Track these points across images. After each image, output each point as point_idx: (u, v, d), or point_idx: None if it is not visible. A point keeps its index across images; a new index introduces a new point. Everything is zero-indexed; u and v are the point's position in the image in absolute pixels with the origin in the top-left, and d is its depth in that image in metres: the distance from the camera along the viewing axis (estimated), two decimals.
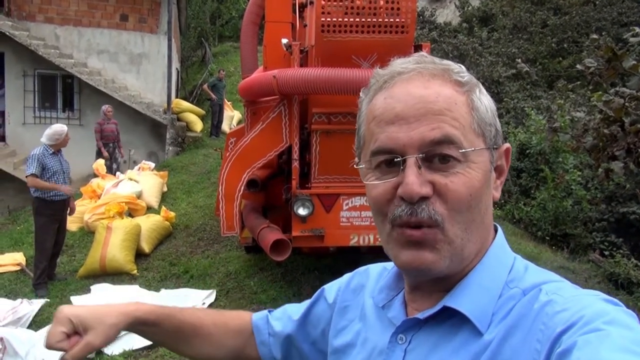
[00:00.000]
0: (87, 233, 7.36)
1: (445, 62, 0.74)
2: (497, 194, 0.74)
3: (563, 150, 8.45)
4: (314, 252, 5.36)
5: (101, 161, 9.36)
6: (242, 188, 4.69)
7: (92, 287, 5.70)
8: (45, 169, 5.60)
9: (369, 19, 4.01)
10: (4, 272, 6.40)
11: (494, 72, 12.54)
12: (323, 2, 4.02)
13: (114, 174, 9.20)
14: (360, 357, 0.81)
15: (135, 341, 4.33)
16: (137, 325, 0.91)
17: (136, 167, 9.89)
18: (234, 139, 5.69)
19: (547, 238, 7.92)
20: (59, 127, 5.82)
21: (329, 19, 4.02)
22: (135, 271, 6.21)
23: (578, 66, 4.15)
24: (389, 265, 0.87)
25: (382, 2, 4.02)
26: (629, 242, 7.76)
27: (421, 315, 0.72)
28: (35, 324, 5.02)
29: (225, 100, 13.97)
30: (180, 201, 8.92)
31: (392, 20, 4.01)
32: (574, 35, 14.86)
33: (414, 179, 0.65)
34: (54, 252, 5.97)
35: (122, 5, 12.28)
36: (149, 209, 8.22)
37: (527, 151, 9.10)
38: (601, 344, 0.53)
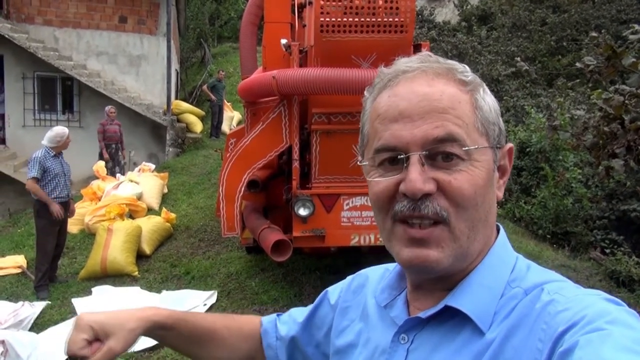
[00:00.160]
0: (88, 235, 7.36)
1: (450, 61, 0.74)
2: (500, 194, 0.74)
3: (563, 148, 8.45)
4: (315, 252, 5.36)
5: (101, 163, 9.37)
6: (243, 189, 4.69)
7: (94, 289, 5.71)
8: (46, 171, 5.60)
9: (368, 19, 4.01)
10: (5, 275, 6.40)
11: (493, 71, 12.54)
12: (322, 2, 4.02)
13: (115, 176, 9.19)
14: (363, 357, 0.81)
15: (137, 343, 4.33)
16: (155, 329, 0.91)
17: (136, 169, 9.89)
18: (234, 139, 5.69)
19: (548, 236, 7.92)
20: (61, 130, 5.83)
21: (328, 19, 4.02)
22: (136, 273, 6.21)
23: (577, 64, 4.16)
24: (391, 266, 0.88)
25: (381, 2, 4.02)
26: (630, 240, 7.76)
27: (423, 314, 0.72)
28: (37, 326, 5.02)
29: (225, 101, 13.97)
30: (180, 202, 8.92)
31: (391, 19, 4.01)
32: (573, 33, 14.86)
33: (417, 176, 0.66)
34: (55, 254, 5.97)
35: (121, 7, 12.28)
36: (150, 211, 8.22)
37: (527, 149, 9.10)
38: (603, 344, 0.53)
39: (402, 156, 0.68)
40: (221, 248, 6.90)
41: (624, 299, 5.27)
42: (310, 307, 1.01)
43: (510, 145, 0.75)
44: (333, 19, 4.02)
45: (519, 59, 6.06)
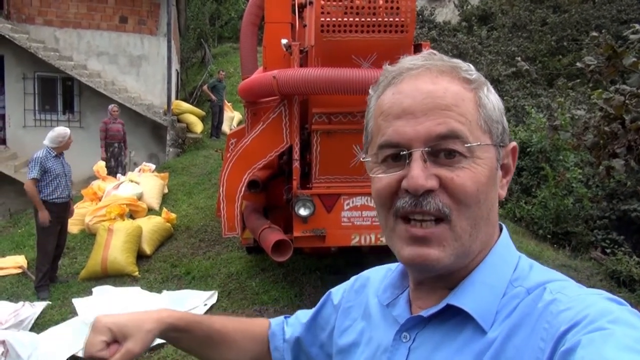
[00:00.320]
0: (88, 235, 7.36)
1: (454, 60, 0.74)
2: (503, 193, 0.74)
3: (564, 148, 8.45)
4: (316, 252, 5.36)
5: (102, 163, 9.36)
6: (243, 189, 4.69)
7: (94, 289, 5.70)
8: (47, 172, 5.60)
9: (368, 19, 4.01)
10: (6, 275, 6.40)
11: (494, 71, 12.54)
12: (322, 2, 4.02)
13: (115, 176, 9.19)
14: (365, 356, 0.81)
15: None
16: (169, 331, 0.92)
17: (137, 169, 9.89)
18: (234, 139, 5.69)
19: (549, 236, 7.92)
20: (62, 130, 5.83)
21: (328, 19, 4.02)
22: (136, 273, 6.21)
23: (578, 64, 4.16)
24: (393, 266, 0.88)
25: (381, 2, 4.02)
26: (631, 240, 7.76)
27: (425, 313, 0.72)
28: (37, 326, 5.02)
29: (226, 101, 13.97)
30: (181, 202, 8.92)
31: (391, 19, 4.01)
32: (573, 33, 14.86)
33: (419, 172, 0.66)
34: (56, 254, 5.97)
35: (121, 7, 12.29)
36: (150, 211, 8.22)
37: (528, 149, 9.10)
38: (605, 343, 0.53)
39: (404, 152, 0.68)
40: (221, 248, 6.90)
41: (625, 298, 5.24)
42: (314, 308, 1.02)
43: (513, 144, 0.75)
44: (333, 19, 4.02)
45: (519, 58, 6.06)
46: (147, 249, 6.70)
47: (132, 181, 8.52)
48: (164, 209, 7.92)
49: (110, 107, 10.19)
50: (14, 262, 6.65)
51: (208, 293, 5.57)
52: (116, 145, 10.07)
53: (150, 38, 12.49)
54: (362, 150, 0.81)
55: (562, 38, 14.87)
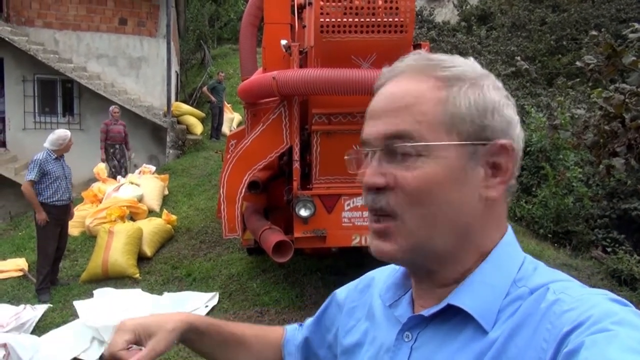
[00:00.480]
0: (89, 237, 7.36)
1: (439, 57, 0.74)
2: (493, 193, 0.70)
3: (564, 148, 8.45)
4: (316, 253, 5.36)
5: (102, 165, 9.35)
6: (244, 190, 4.69)
7: (95, 292, 5.70)
8: (47, 174, 5.60)
9: (367, 19, 4.01)
10: (7, 278, 6.40)
11: (493, 71, 12.53)
12: (322, 3, 4.02)
13: (116, 177, 9.19)
14: (369, 355, 0.82)
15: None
16: (189, 332, 0.94)
17: (137, 171, 9.89)
18: (234, 141, 5.69)
19: (549, 236, 7.92)
20: (63, 132, 5.83)
21: (327, 20, 4.03)
22: (137, 275, 6.21)
23: (577, 63, 4.16)
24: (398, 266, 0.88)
25: (380, 2, 4.02)
26: (631, 239, 7.76)
27: (426, 312, 0.72)
28: (39, 329, 5.02)
29: (225, 102, 13.97)
30: (181, 204, 8.92)
31: (390, 19, 4.01)
32: (572, 32, 14.86)
33: (369, 170, 0.71)
34: (56, 257, 5.97)
35: (120, 9, 12.29)
36: (151, 213, 8.22)
37: (528, 149, 9.10)
38: (609, 345, 0.53)
39: (366, 151, 0.73)
40: (222, 249, 6.90)
41: (626, 297, 5.25)
42: (319, 309, 1.04)
43: (502, 141, 0.70)
44: (333, 20, 4.03)
45: (518, 58, 6.06)
46: (148, 250, 6.70)
47: (132, 183, 8.53)
48: (165, 211, 7.92)
49: (111, 108, 10.14)
50: (15, 265, 6.65)
51: (209, 294, 5.57)
52: (117, 146, 10.01)
53: (149, 40, 12.49)
54: None
55: (561, 37, 14.88)
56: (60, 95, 12.13)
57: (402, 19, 4.02)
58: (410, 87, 0.71)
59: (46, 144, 5.72)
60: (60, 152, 5.75)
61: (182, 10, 16.69)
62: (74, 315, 5.15)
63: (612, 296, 0.63)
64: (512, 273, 0.70)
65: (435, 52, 0.87)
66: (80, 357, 4.43)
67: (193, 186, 9.92)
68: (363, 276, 0.98)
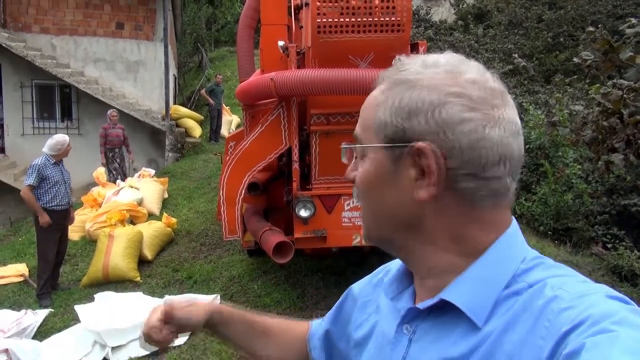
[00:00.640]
0: (89, 242, 7.36)
1: (404, 60, 0.74)
2: (422, 194, 0.69)
3: (562, 144, 8.45)
4: (317, 253, 5.35)
5: (101, 169, 9.35)
6: (243, 191, 4.70)
7: (96, 296, 5.69)
8: (46, 179, 5.60)
9: (364, 19, 4.01)
10: (8, 284, 6.39)
11: (491, 69, 12.45)
12: (318, 3, 4.02)
13: (115, 181, 9.19)
14: (374, 347, 0.84)
15: (141, 349, 4.32)
16: (217, 314, 1.02)
17: (136, 175, 9.89)
18: (233, 142, 5.68)
19: (550, 233, 7.91)
20: (61, 137, 5.82)
21: (324, 20, 4.03)
22: (138, 278, 6.21)
23: (575, 59, 4.16)
24: None
25: (377, 2, 4.03)
26: (632, 235, 7.75)
27: (421, 305, 0.73)
28: (40, 334, 5.01)
29: (224, 104, 13.97)
30: (181, 207, 8.92)
31: (387, 19, 4.02)
32: (569, 29, 14.86)
33: (350, 166, 0.81)
34: (57, 261, 5.97)
35: (117, 13, 12.29)
36: (150, 216, 8.22)
37: (527, 146, 9.09)
38: (611, 347, 0.52)
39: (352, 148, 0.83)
40: (223, 252, 6.90)
41: (627, 293, 5.26)
42: (336, 302, 1.06)
43: (419, 144, 0.68)
44: (329, 20, 4.03)
45: (516, 56, 6.06)
46: (149, 254, 6.69)
47: (132, 187, 8.53)
48: (165, 214, 7.92)
49: (109, 112, 10.09)
50: (15, 271, 6.65)
51: (210, 297, 5.55)
52: (116, 150, 9.97)
53: (147, 43, 12.49)
54: None
55: (558, 34, 14.88)
56: (59, 100, 12.13)
57: (399, 18, 4.03)
58: (373, 93, 0.77)
59: (45, 149, 5.71)
60: (58, 157, 5.75)
61: (179, 14, 16.69)
62: (75, 319, 5.14)
63: (611, 293, 0.62)
64: (510, 269, 0.70)
65: (433, 51, 0.88)
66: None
67: (193, 189, 9.91)
68: (380, 268, 0.98)
